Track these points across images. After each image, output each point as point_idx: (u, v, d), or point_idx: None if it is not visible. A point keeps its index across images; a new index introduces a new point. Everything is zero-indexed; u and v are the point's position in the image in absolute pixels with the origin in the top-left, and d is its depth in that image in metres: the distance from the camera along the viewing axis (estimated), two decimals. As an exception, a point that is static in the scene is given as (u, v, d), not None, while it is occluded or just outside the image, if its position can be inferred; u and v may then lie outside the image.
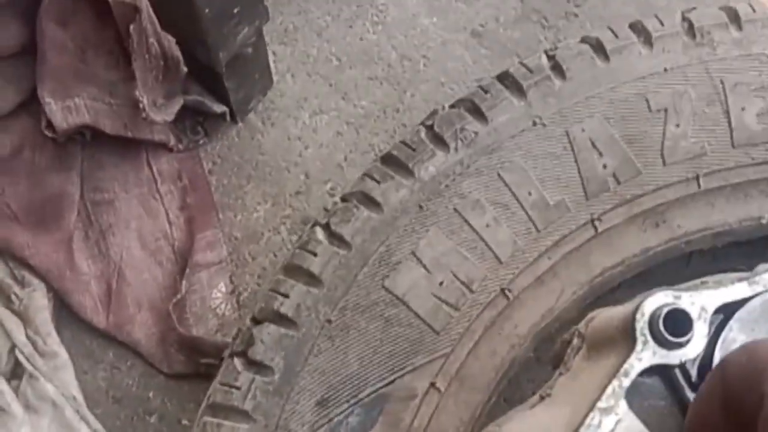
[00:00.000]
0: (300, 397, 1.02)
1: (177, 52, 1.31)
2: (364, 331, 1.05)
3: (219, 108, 1.43)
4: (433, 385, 1.05)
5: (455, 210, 1.09)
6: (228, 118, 1.46)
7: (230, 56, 1.31)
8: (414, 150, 1.12)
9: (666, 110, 1.12)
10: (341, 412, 1.02)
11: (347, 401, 1.02)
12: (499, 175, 1.10)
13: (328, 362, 1.03)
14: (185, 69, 1.34)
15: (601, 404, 0.68)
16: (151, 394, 1.34)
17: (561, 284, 1.11)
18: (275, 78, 1.50)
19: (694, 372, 0.72)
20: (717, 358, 0.71)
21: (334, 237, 1.08)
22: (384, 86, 1.51)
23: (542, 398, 0.82)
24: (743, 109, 1.13)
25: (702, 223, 1.12)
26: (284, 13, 1.56)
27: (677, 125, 1.12)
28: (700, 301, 0.70)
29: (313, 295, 1.06)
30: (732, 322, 0.71)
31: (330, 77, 1.51)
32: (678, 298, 0.70)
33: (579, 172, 1.11)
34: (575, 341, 0.84)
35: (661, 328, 0.69)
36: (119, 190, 1.43)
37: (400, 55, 1.53)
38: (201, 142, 1.47)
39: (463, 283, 1.07)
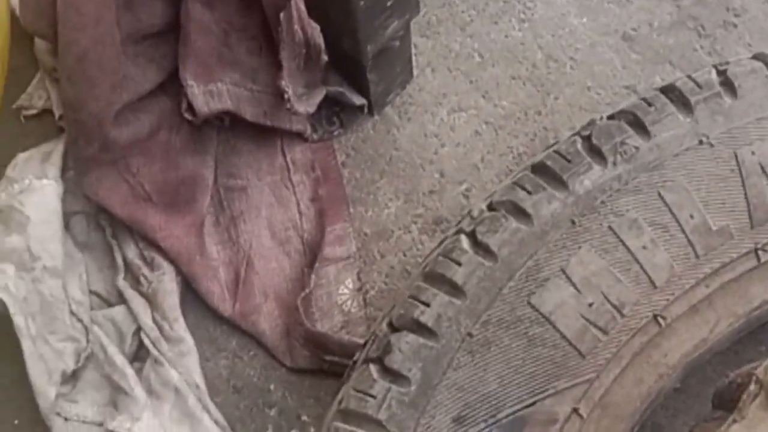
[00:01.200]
0: (436, 412, 0.99)
1: (320, 39, 1.28)
2: (506, 349, 1.00)
3: (359, 100, 1.39)
4: (575, 410, 1.00)
5: (610, 228, 1.03)
6: (365, 110, 1.42)
7: (378, 49, 1.28)
8: (569, 161, 1.06)
9: None
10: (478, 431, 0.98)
11: (484, 420, 0.98)
12: (659, 194, 1.04)
13: (467, 378, 0.99)
14: (326, 58, 1.31)
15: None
16: (272, 387, 1.31)
17: (716, 314, 1.05)
18: (415, 72, 1.45)
19: None
20: None
21: (480, 247, 1.04)
22: (527, 87, 1.45)
23: (734, 421, 0.76)
24: None
25: None
26: (428, 5, 1.51)
27: None
28: None
29: (456, 306, 1.02)
30: None
31: (471, 74, 1.46)
32: None
33: (746, 198, 1.05)
34: (752, 387, 0.78)
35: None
36: (252, 176, 1.41)
37: (546, 56, 1.47)
38: (336, 133, 1.43)
39: (614, 306, 1.02)
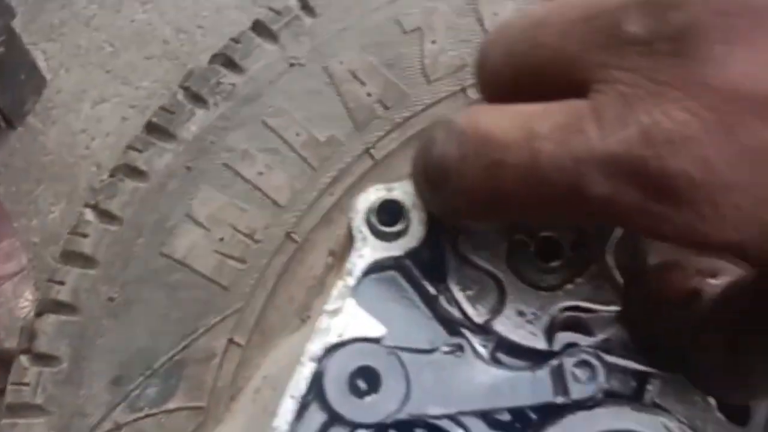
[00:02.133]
0: (92, 381, 0.99)
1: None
2: (149, 302, 1.02)
3: (-11, 114, 1.38)
4: (231, 341, 1.02)
5: (225, 164, 1.07)
6: (2, 124, 1.40)
7: (-19, 57, 1.26)
8: (173, 113, 1.09)
9: (420, 29, 1.12)
10: (137, 386, 0.99)
11: (142, 374, 0.99)
12: (263, 122, 1.08)
13: (116, 340, 1.00)
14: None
15: (328, 307, 0.67)
16: (-28, 419, 1.28)
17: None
18: (48, 76, 1.45)
19: (428, 259, 0.71)
20: (446, 240, 0.70)
21: (104, 214, 1.05)
22: (164, 63, 1.47)
23: (303, 321, 0.81)
24: (495, 14, 1.13)
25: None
26: (47, 10, 1.51)
27: (433, 42, 1.12)
28: (412, 189, 0.69)
29: (90, 276, 1.02)
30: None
31: (106, 65, 1.48)
32: (390, 189, 0.69)
33: (344, 105, 1.10)
34: (329, 260, 0.83)
35: (375, 220, 0.68)
36: None
37: (175, 30, 1.50)
38: (-19, 153, 1.41)
39: (245, 234, 1.05)
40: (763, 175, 0.44)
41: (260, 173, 1.07)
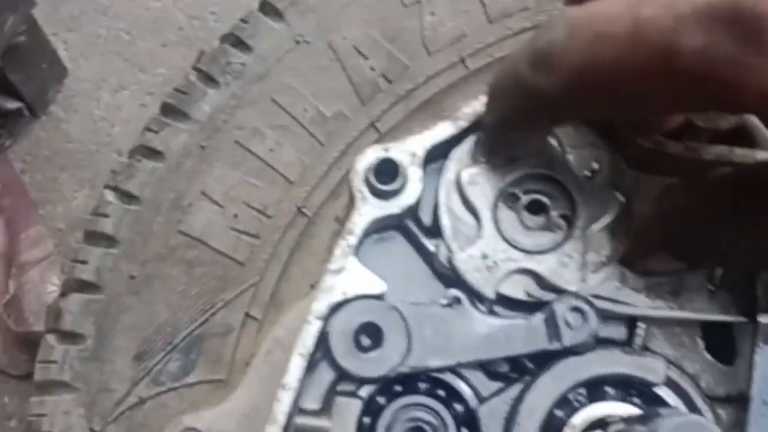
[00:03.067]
0: (116, 357, 1.03)
1: (-42, 58, 1.29)
2: (168, 278, 1.05)
3: (12, 104, 1.41)
4: (248, 315, 1.05)
5: (236, 142, 1.10)
6: (27, 113, 1.44)
7: (2, 48, 1.29)
8: (187, 93, 1.12)
9: (419, 1, 1.14)
10: (159, 361, 1.02)
11: (163, 349, 1.03)
12: (272, 99, 1.11)
13: (138, 317, 1.04)
14: (-29, 74, 1.32)
15: (331, 266, 0.70)
16: (6, 399, 1.32)
17: (358, 192, 1.12)
18: (69, 65, 1.48)
19: (427, 217, 0.73)
20: (442, 196, 0.72)
21: (123, 195, 1.08)
22: (180, 49, 1.51)
23: (312, 287, 0.83)
24: (494, -15, 1.15)
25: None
26: (66, 0, 1.54)
27: (432, 14, 1.13)
28: (408, 148, 0.72)
29: (112, 255, 1.06)
30: (448, 162, 0.73)
31: (123, 53, 1.51)
32: (387, 149, 0.72)
33: (349, 80, 1.13)
34: (336, 227, 0.85)
35: (373, 180, 0.70)
36: (-70, 209, 1.41)
37: (188, 17, 1.53)
38: (7, 144, 1.45)
39: (258, 210, 1.08)
40: None
41: (271, 150, 1.10)
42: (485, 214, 0.70)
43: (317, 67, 1.12)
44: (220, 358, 1.04)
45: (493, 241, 0.70)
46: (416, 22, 1.13)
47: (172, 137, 1.10)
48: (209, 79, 1.12)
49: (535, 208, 0.72)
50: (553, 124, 0.67)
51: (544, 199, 0.72)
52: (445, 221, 0.72)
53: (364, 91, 1.12)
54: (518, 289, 0.71)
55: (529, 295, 0.70)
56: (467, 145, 0.73)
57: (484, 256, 0.70)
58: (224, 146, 1.09)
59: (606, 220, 0.70)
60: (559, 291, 0.69)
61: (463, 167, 0.72)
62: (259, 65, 1.12)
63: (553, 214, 0.71)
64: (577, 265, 0.69)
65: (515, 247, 0.70)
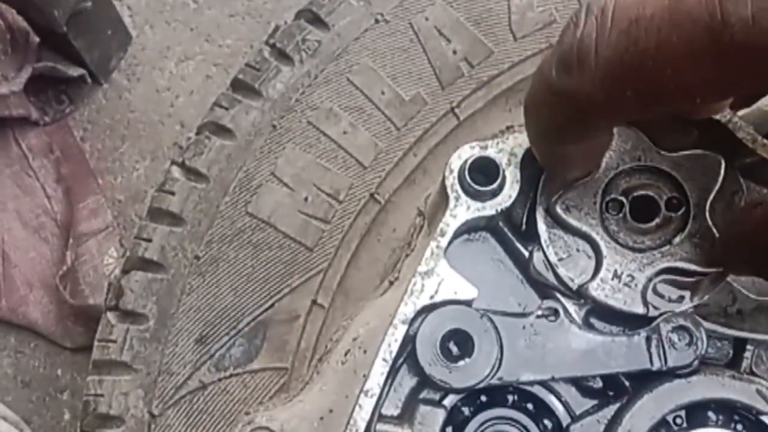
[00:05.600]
0: (178, 339, 1.00)
1: (22, 23, 1.27)
2: (234, 261, 1.02)
3: (75, 71, 1.38)
4: (315, 302, 1.02)
5: (309, 123, 1.06)
6: (89, 80, 1.41)
7: (68, 14, 1.26)
8: (259, 70, 1.08)
9: (508, -18, 1.09)
10: (222, 346, 0.99)
11: (227, 334, 1.00)
12: (348, 79, 1.07)
13: (202, 298, 1.00)
14: (36, 39, 1.30)
15: (421, 268, 0.66)
16: (59, 372, 1.31)
17: (433, 179, 1.08)
18: (134, 32, 1.45)
19: (522, 220, 0.69)
20: (540, 200, 0.68)
21: (190, 172, 1.05)
22: (247, 21, 1.46)
23: (391, 283, 0.79)
24: (587, -32, 1.10)
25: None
26: (131, -35, 1.51)
27: (521, -3, 1.08)
28: (507, 147, 0.67)
29: (177, 234, 1.02)
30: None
31: (190, 22, 1.47)
32: (484, 148, 0.68)
33: (430, 63, 1.08)
34: (418, 220, 0.82)
35: (468, 180, 0.66)
36: (-11, 172, 1.39)
37: (258, -14, 1.49)
38: (68, 110, 1.42)
39: (329, 195, 1.04)
40: None
41: (345, 132, 1.05)
42: (596, 233, 0.66)
43: (396, 48, 1.08)
44: (285, 345, 1.00)
45: (617, 256, 0.66)
46: (503, 4, 1.08)
47: (242, 115, 1.06)
48: (283, 56, 1.08)
49: (642, 204, 0.68)
50: (594, 130, 0.59)
51: (649, 193, 0.67)
52: (541, 225, 0.67)
53: (445, 75, 1.07)
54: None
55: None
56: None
57: (616, 275, 0.65)
58: (296, 126, 1.05)
59: (717, 185, 0.66)
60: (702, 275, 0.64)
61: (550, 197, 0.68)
62: (336, 43, 1.08)
63: (663, 203, 0.67)
64: (709, 243, 0.65)
65: (641, 251, 0.66)
